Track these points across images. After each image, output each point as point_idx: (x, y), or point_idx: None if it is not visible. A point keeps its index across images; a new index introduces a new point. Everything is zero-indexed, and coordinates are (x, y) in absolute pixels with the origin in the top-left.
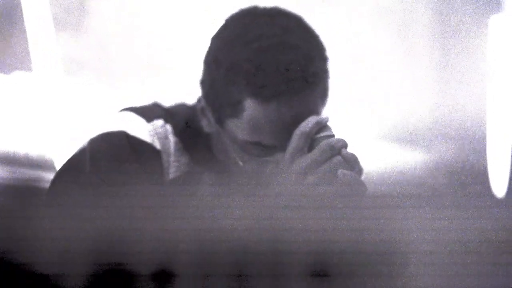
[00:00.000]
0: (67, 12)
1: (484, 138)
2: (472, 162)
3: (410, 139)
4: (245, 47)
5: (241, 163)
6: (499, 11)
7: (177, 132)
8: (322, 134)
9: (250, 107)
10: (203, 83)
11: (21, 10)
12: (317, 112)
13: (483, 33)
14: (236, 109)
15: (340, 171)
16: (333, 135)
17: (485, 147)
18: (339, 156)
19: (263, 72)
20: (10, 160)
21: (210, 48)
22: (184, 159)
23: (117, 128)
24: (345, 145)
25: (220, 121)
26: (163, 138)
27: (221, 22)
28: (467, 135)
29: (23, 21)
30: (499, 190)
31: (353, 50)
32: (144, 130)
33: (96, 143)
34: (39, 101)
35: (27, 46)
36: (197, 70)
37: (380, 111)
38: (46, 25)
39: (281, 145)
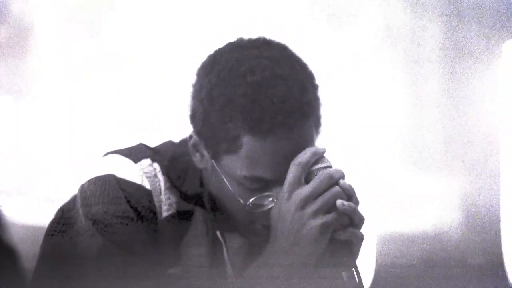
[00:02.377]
0: (76, 39)
1: (497, 168)
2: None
3: (423, 164)
4: (238, 82)
5: (241, 200)
6: None
7: (164, 170)
8: (319, 165)
9: (248, 142)
10: (194, 118)
11: (35, 38)
12: (312, 142)
13: (496, 58)
14: (233, 145)
15: (339, 201)
16: (330, 166)
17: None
18: (337, 186)
19: (259, 106)
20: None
21: (200, 84)
22: (174, 197)
23: (105, 172)
24: (342, 176)
25: (216, 157)
26: (152, 177)
27: (207, 56)
28: (479, 161)
29: (36, 47)
30: None
31: (363, 75)
32: (132, 171)
33: (86, 189)
34: (53, 129)
35: (41, 72)
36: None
37: (391, 136)
38: (57, 51)
39: (280, 178)
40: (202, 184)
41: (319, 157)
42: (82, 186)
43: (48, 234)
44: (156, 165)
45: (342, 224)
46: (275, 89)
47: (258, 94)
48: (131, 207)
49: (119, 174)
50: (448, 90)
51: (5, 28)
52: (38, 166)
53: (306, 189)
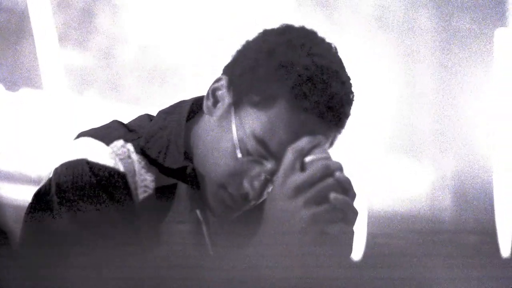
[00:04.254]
0: (72, 27)
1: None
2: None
3: (415, 151)
4: (305, 57)
5: (239, 154)
6: (505, 25)
7: (138, 149)
8: (316, 156)
9: (281, 107)
10: (234, 64)
11: (30, 26)
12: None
13: (488, 46)
14: (265, 102)
15: (332, 195)
16: (328, 157)
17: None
18: (332, 178)
19: (313, 86)
20: (15, 178)
21: (264, 39)
22: (150, 175)
23: (77, 157)
24: (339, 168)
25: (237, 105)
26: (126, 159)
27: (280, 24)
28: (472, 149)
29: (32, 36)
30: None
31: (356, 65)
32: (105, 154)
33: (59, 174)
34: (47, 118)
35: (36, 62)
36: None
37: (384, 124)
38: (52, 41)
39: (281, 159)
40: (186, 157)
41: (317, 146)
42: (56, 170)
43: (26, 220)
44: (129, 145)
45: (334, 217)
46: (332, 84)
47: (317, 77)
48: (105, 192)
49: (92, 158)
50: (441, 76)
51: None
52: (35, 152)
53: (299, 177)
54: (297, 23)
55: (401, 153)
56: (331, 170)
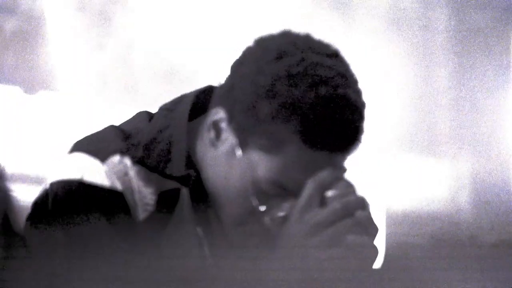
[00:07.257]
0: (89, 30)
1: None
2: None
3: (434, 146)
4: (309, 89)
5: (255, 202)
6: None
7: (135, 160)
8: (339, 191)
9: (292, 151)
10: (231, 93)
11: (47, 30)
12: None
13: (506, 45)
14: (273, 146)
15: (350, 237)
16: (351, 192)
17: None
18: (350, 219)
19: (323, 123)
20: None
21: (258, 65)
22: (150, 187)
23: (72, 176)
24: (361, 205)
25: (243, 146)
26: (123, 176)
27: (273, 39)
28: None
29: (49, 40)
30: None
31: (371, 60)
32: (100, 173)
33: (56, 192)
34: (65, 121)
35: (54, 65)
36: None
37: (402, 123)
38: (70, 44)
39: (300, 192)
40: (188, 165)
41: (339, 179)
42: (51, 186)
43: (26, 228)
44: (126, 159)
45: (350, 260)
46: (341, 111)
47: (326, 110)
48: (103, 214)
49: (87, 178)
50: (458, 75)
51: (15, 19)
52: (53, 155)
53: (317, 216)
54: (308, 23)
55: (419, 152)
56: (351, 209)
